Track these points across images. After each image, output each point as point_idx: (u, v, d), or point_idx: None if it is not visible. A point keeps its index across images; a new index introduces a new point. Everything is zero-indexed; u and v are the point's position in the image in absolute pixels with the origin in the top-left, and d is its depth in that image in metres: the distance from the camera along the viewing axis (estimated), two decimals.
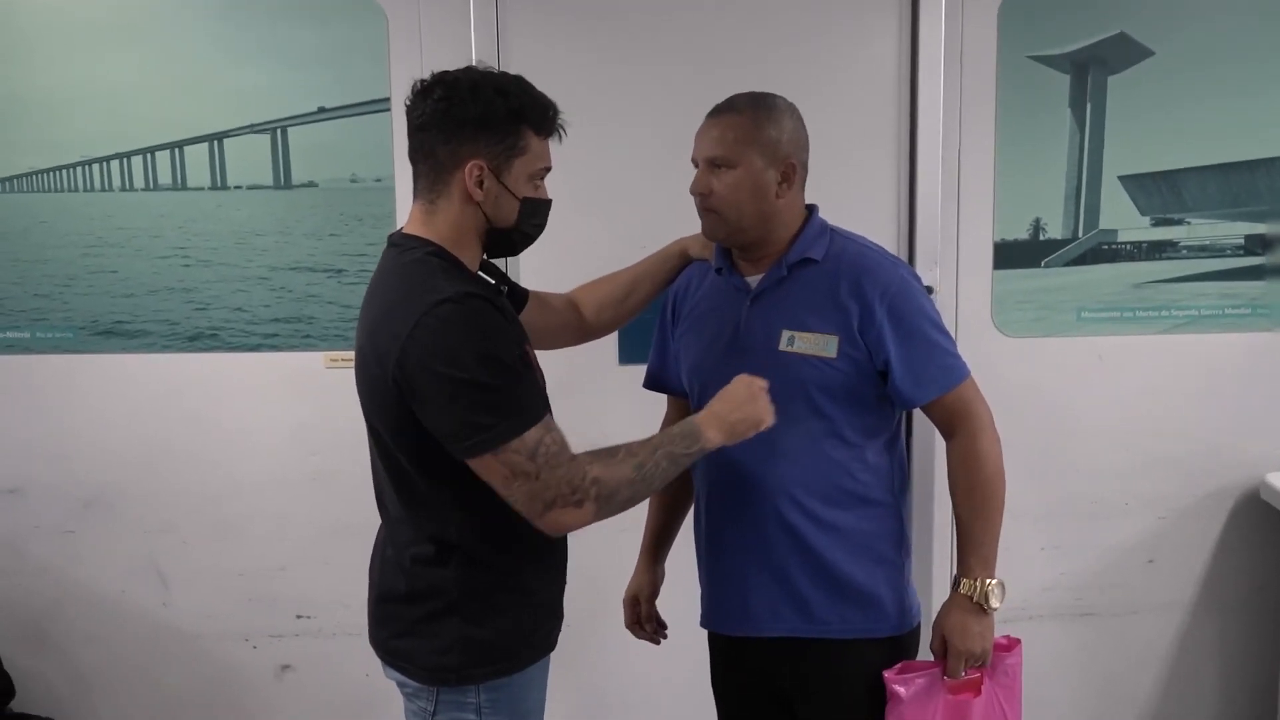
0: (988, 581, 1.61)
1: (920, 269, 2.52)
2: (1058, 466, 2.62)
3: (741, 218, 1.63)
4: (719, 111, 1.66)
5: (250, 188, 2.52)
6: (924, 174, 2.52)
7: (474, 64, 1.51)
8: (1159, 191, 2.54)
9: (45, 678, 2.68)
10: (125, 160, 2.50)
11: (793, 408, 1.59)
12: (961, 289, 2.57)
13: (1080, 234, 2.56)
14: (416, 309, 1.36)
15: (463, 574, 1.49)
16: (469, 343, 1.35)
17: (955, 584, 1.64)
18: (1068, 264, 2.57)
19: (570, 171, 2.51)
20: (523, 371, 1.41)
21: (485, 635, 1.50)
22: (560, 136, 1.53)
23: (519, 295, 1.75)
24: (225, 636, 2.67)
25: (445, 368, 1.34)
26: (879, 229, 2.53)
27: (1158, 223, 2.56)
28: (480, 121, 1.44)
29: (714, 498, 1.74)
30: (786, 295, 1.65)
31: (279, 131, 2.48)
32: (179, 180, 2.51)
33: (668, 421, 1.91)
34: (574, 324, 1.87)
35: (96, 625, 2.67)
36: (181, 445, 2.58)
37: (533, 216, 1.53)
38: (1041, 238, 2.56)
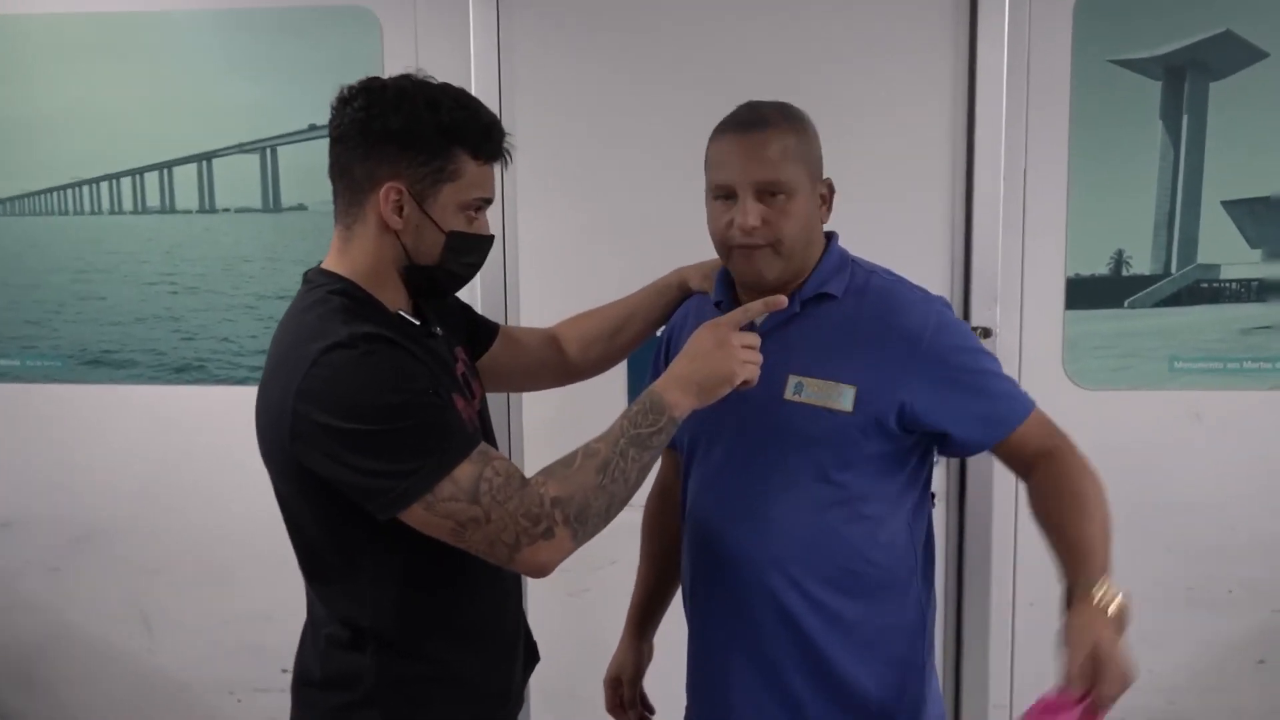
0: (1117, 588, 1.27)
1: (976, 309, 2.24)
2: (1145, 544, 2.29)
3: (797, 251, 1.39)
4: (751, 125, 1.38)
5: (238, 210, 2.41)
6: (982, 197, 2.24)
7: (413, 72, 1.30)
8: (1272, 220, 2.22)
9: None
10: (114, 182, 2.42)
11: (794, 469, 1.39)
12: (1027, 332, 2.28)
13: (1173, 269, 2.26)
14: (304, 359, 1.18)
15: (381, 661, 1.30)
16: (366, 390, 1.15)
17: (1077, 593, 1.27)
18: (1157, 304, 2.27)
19: (573, 194, 2.42)
20: (439, 406, 1.21)
21: None
22: (506, 162, 1.33)
23: (484, 332, 1.58)
24: (209, 688, 2.57)
25: (341, 421, 1.15)
26: (928, 262, 2.27)
27: (1270, 257, 2.24)
28: (403, 137, 1.24)
29: (699, 572, 1.51)
30: (797, 336, 1.41)
31: (268, 151, 2.36)
32: (167, 202, 2.42)
33: (661, 479, 1.71)
34: (555, 363, 1.67)
35: (83, 668, 2.60)
36: (168, 482, 2.50)
37: (462, 253, 1.31)
38: (1125, 273, 2.26)
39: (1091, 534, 1.32)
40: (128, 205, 2.43)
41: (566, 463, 1.20)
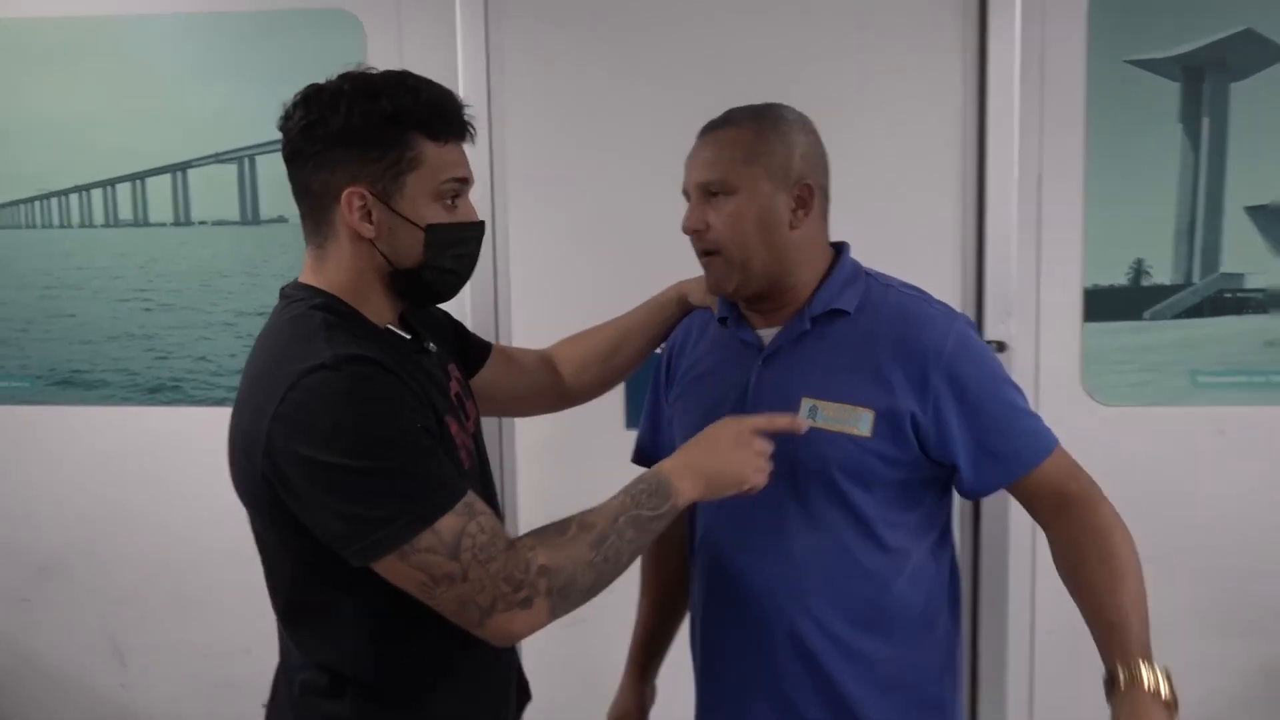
0: (1160, 668, 1.22)
1: (990, 321, 2.15)
2: (1169, 568, 2.11)
3: (750, 257, 1.30)
4: (712, 127, 1.35)
5: (215, 223, 2.31)
6: (995, 205, 2.14)
7: (354, 68, 1.18)
8: None
9: None
10: (85, 194, 2.32)
11: (813, 498, 1.30)
12: (1043, 346, 2.19)
13: (1195, 279, 2.17)
14: (283, 381, 1.07)
15: (361, 709, 1.20)
16: (348, 419, 1.05)
17: (1123, 678, 1.21)
18: (1179, 316, 2.18)
19: (565, 199, 2.31)
20: (426, 447, 1.09)
21: None
22: (470, 135, 1.21)
23: (476, 350, 1.47)
24: None
25: (319, 452, 1.04)
26: (939, 273, 2.18)
27: None
28: (348, 136, 1.13)
29: (711, 607, 1.41)
30: (809, 355, 1.33)
31: (246, 161, 2.26)
32: (140, 215, 2.32)
33: None
34: (549, 386, 1.57)
35: (53, 704, 2.49)
36: (141, 507, 2.40)
37: (448, 246, 1.19)
38: (1144, 283, 2.17)
39: (1127, 604, 1.25)
40: (99, 218, 2.32)
41: (560, 530, 1.11)
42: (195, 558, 2.38)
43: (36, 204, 2.32)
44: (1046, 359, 2.17)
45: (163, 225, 2.31)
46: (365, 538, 1.04)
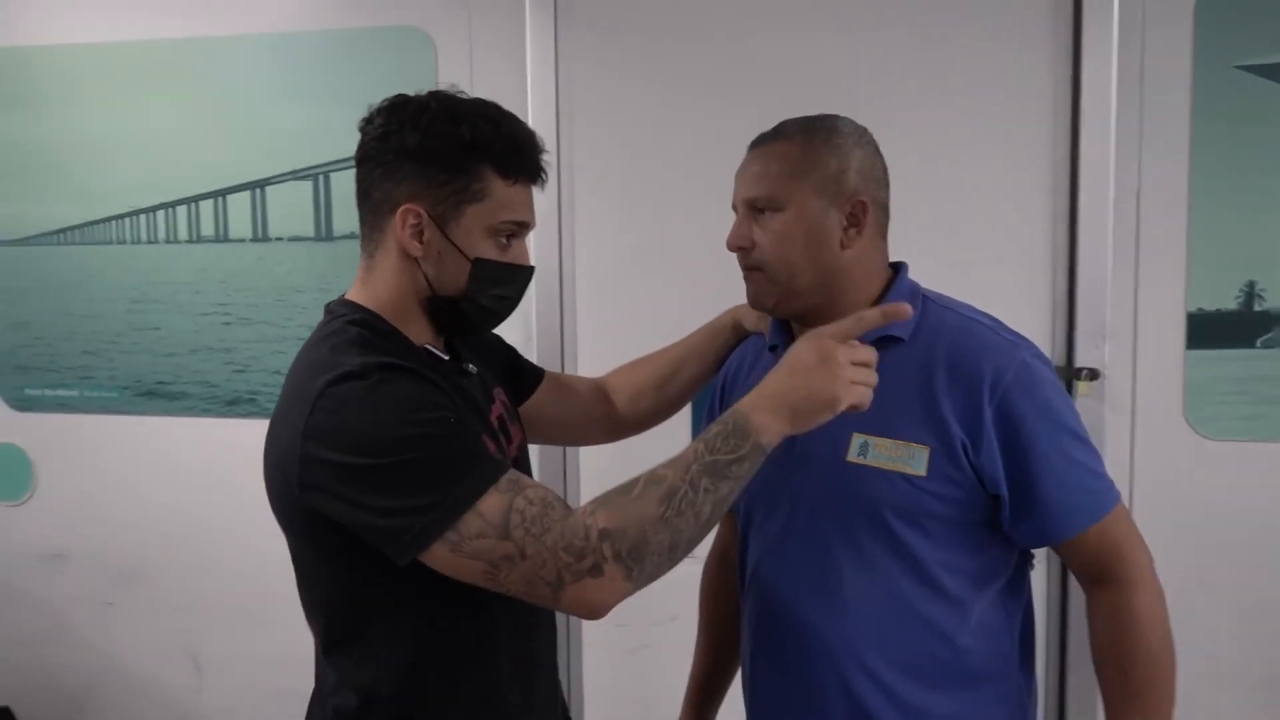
0: None
1: (1081, 348, 2.00)
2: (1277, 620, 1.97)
3: (794, 277, 1.23)
4: (762, 140, 1.27)
5: (291, 239, 2.33)
6: (1088, 223, 1.99)
7: (450, 88, 1.18)
8: None
9: None
10: (170, 210, 2.38)
11: (864, 540, 1.21)
12: (1140, 374, 2.01)
13: None
14: (313, 392, 1.06)
15: None
16: (378, 420, 1.03)
17: None
18: None
19: (632, 214, 2.25)
20: (460, 432, 1.06)
21: None
22: (541, 182, 1.19)
23: (528, 376, 1.44)
24: None
25: (349, 456, 1.02)
26: (1026, 295, 2.03)
27: None
28: (421, 154, 1.12)
29: (759, 652, 1.33)
30: None
31: (321, 178, 2.28)
32: (221, 231, 2.37)
33: (720, 540, 1.55)
34: (602, 415, 1.52)
35: (132, 707, 2.55)
36: (216, 517, 2.43)
37: (491, 284, 1.17)
38: (1257, 308, 1.98)
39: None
40: (183, 234, 2.38)
41: (625, 490, 1.03)
42: (268, 568, 2.36)
43: (127, 220, 2.40)
44: (1145, 389, 2.00)
45: (242, 241, 2.35)
46: (409, 530, 1.01)
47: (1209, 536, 1.92)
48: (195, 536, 2.45)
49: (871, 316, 1.08)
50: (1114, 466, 1.97)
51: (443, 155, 1.12)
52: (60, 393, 2.47)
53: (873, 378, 1.06)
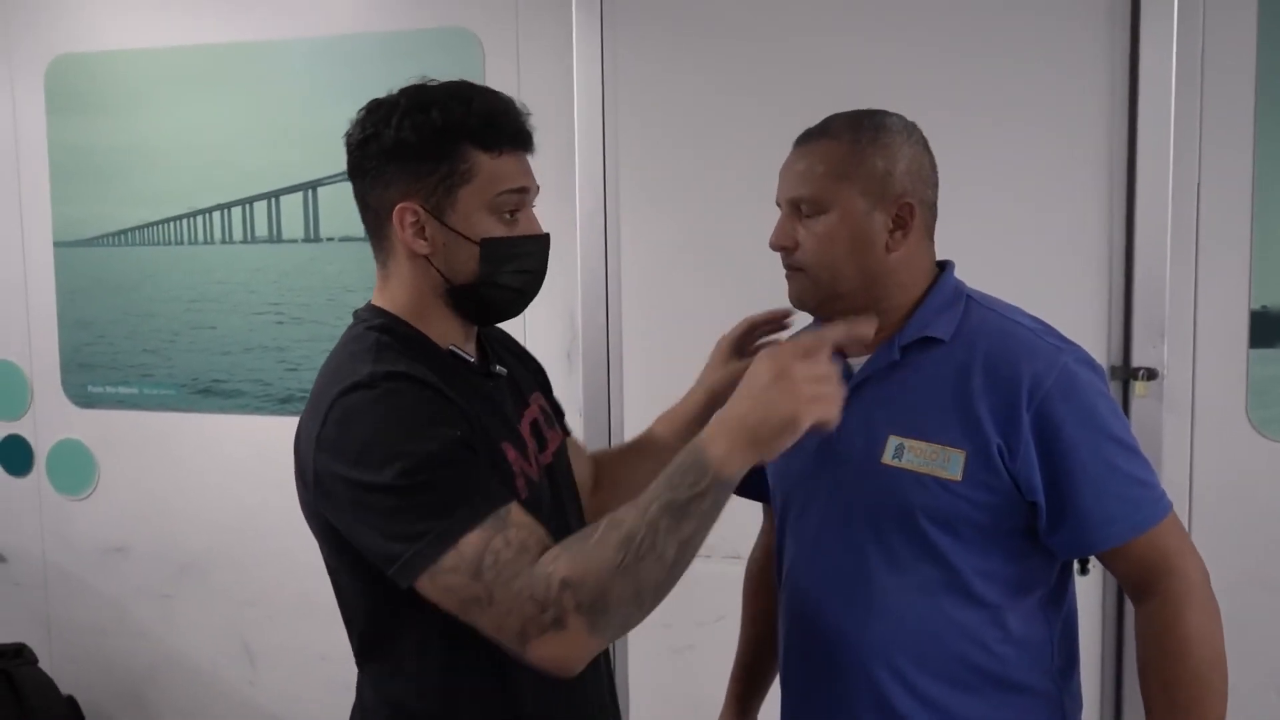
0: None
1: (1139, 347, 1.94)
2: None
3: (837, 280, 1.19)
4: (808, 138, 1.24)
5: (342, 239, 2.37)
6: (1145, 218, 1.94)
7: (414, 80, 1.15)
8: None
9: None
10: (226, 212, 2.43)
11: (897, 544, 1.19)
12: (1201, 374, 1.96)
13: None
14: (325, 403, 1.05)
15: None
16: (378, 434, 1.01)
17: None
18: None
19: (680, 212, 2.24)
20: (462, 459, 1.03)
21: None
22: (529, 146, 1.14)
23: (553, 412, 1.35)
24: None
25: (352, 470, 1.01)
26: (1082, 292, 1.99)
27: None
28: (400, 151, 1.09)
29: (793, 658, 1.31)
30: (898, 387, 1.20)
31: None
32: (274, 232, 2.41)
33: (764, 536, 1.52)
34: (585, 486, 1.40)
35: (189, 697, 2.62)
36: (269, 513, 2.46)
37: (505, 261, 1.13)
38: None
39: None
40: (238, 235, 2.43)
41: (586, 535, 0.98)
42: (319, 564, 2.39)
43: (184, 221, 2.45)
44: (1205, 388, 1.94)
45: (294, 241, 2.39)
46: (400, 556, 0.99)
47: (1273, 539, 1.86)
48: (250, 531, 2.49)
49: (834, 332, 1.03)
50: (1172, 468, 1.93)
51: (420, 146, 1.08)
52: (121, 390, 2.54)
53: (835, 392, 0.97)
